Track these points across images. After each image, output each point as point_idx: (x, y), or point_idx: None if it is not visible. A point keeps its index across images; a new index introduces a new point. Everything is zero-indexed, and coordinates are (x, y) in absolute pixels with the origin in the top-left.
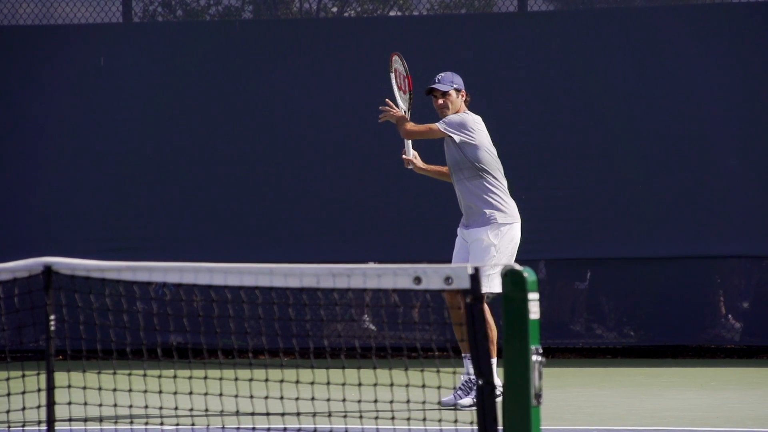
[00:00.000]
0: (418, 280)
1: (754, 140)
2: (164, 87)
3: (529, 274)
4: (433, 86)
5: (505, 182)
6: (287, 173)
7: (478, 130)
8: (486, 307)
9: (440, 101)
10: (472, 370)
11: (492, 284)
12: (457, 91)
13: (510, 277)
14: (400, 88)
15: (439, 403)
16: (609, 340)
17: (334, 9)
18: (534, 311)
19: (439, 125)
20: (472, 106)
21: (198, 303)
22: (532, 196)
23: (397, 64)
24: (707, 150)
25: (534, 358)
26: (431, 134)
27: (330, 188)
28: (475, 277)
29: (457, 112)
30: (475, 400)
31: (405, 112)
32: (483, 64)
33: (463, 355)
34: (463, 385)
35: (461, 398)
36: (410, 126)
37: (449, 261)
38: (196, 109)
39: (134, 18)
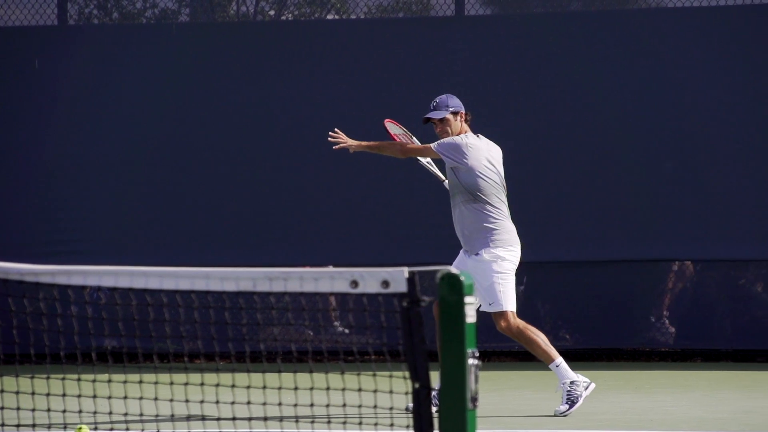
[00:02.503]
0: (355, 283)
1: (684, 142)
2: (99, 90)
3: (465, 278)
4: (428, 115)
5: (504, 207)
6: (227, 176)
7: (471, 156)
8: (519, 320)
9: (438, 129)
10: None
11: (508, 301)
12: (455, 113)
13: (446, 280)
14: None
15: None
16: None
17: (272, 12)
18: (470, 315)
19: (433, 147)
20: (475, 126)
21: (133, 307)
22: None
23: (394, 129)
24: (641, 154)
25: (470, 361)
26: (427, 154)
27: (269, 192)
28: (412, 281)
29: (458, 134)
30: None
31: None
32: (420, 67)
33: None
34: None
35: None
36: (404, 147)
37: (387, 264)
38: (130, 113)
39: (69, 20)
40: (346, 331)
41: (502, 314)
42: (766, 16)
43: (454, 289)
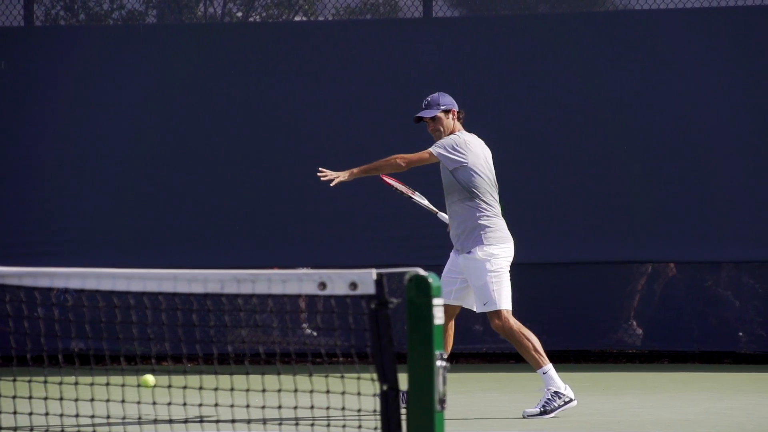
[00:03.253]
0: (323, 285)
1: (650, 144)
2: (65, 91)
3: (433, 280)
4: (419, 114)
5: (497, 205)
6: (195, 179)
7: (469, 151)
8: (514, 320)
9: (430, 127)
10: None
11: (502, 300)
12: (447, 111)
13: (414, 282)
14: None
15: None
16: (512, 345)
17: (239, 14)
18: (438, 316)
19: (432, 150)
20: (472, 125)
21: (100, 309)
22: (434, 202)
23: (401, 188)
24: (608, 157)
25: (438, 363)
26: (427, 161)
27: (237, 194)
28: (380, 283)
29: (452, 132)
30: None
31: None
32: (388, 69)
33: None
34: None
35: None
36: (403, 159)
37: (355, 266)
38: (94, 113)
39: (36, 22)
40: (314, 333)
41: (497, 312)
42: (736, 18)
43: (422, 290)
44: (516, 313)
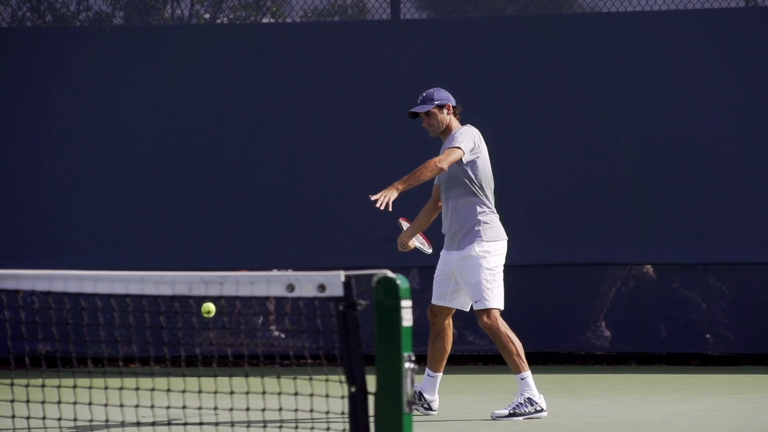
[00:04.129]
0: (291, 287)
1: (618, 145)
2: (31, 93)
3: (401, 282)
4: (413, 110)
5: (493, 201)
6: (163, 181)
7: (482, 144)
8: (503, 322)
9: (425, 123)
10: (426, 390)
11: (494, 299)
12: (441, 106)
13: (383, 284)
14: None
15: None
16: (480, 347)
17: (207, 15)
18: (407, 318)
19: (462, 146)
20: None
21: (67, 311)
22: (404, 204)
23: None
24: (573, 159)
25: (406, 365)
26: (461, 157)
27: (206, 197)
28: (348, 285)
29: (448, 127)
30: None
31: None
32: (356, 71)
33: (429, 372)
34: (420, 399)
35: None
36: (442, 161)
37: (323, 268)
38: (62, 115)
39: (2, 23)
40: (282, 335)
41: (487, 311)
42: (700, 20)
43: (390, 292)
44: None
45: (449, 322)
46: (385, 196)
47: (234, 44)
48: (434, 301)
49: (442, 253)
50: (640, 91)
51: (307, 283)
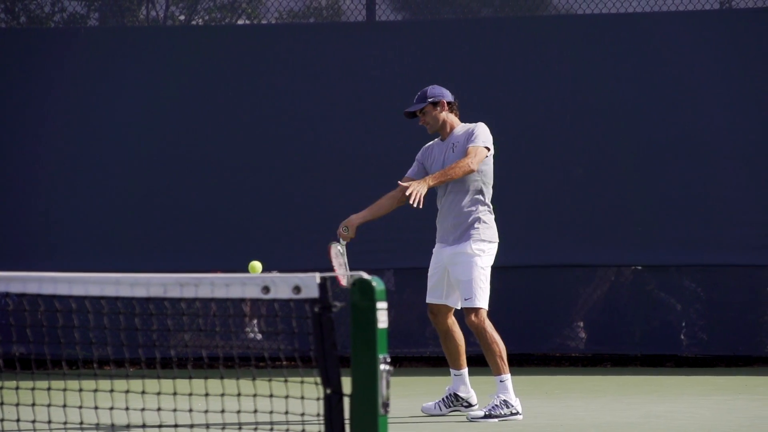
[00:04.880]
0: (266, 289)
1: (593, 146)
2: (7, 94)
3: (377, 284)
4: (408, 109)
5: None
6: (137, 181)
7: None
8: (489, 322)
9: (421, 121)
10: (459, 389)
11: (484, 298)
12: (435, 103)
13: (358, 286)
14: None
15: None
16: None
17: (182, 17)
18: (382, 320)
19: (488, 144)
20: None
21: (41, 313)
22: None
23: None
24: (547, 161)
25: (382, 367)
26: (483, 153)
27: (181, 197)
28: (323, 287)
29: (446, 124)
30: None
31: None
32: (332, 73)
33: (453, 371)
34: (446, 398)
35: (440, 409)
36: (473, 162)
37: (299, 270)
38: (36, 117)
39: None
40: (258, 337)
41: (476, 309)
42: (684, 22)
43: (366, 294)
44: (458, 316)
45: (453, 320)
46: (417, 192)
47: (209, 46)
48: (431, 300)
49: (435, 248)
50: (613, 93)
51: (282, 285)
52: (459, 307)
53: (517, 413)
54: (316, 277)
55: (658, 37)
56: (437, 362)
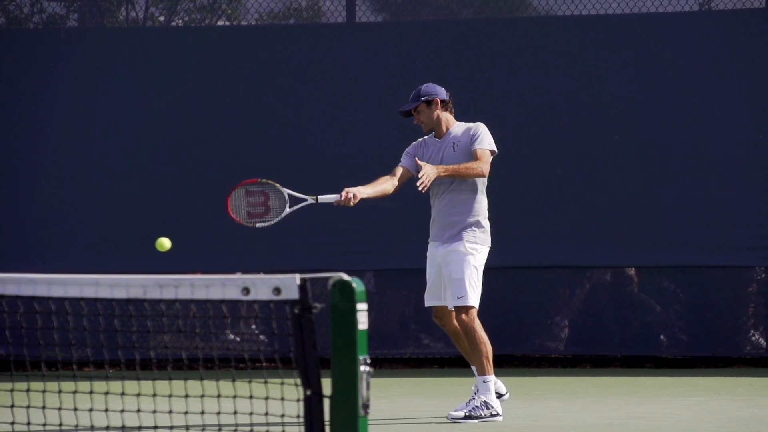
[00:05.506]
0: (246, 290)
1: (570, 148)
2: None
3: (357, 285)
4: (402, 108)
5: None
6: (114, 182)
7: None
8: (479, 322)
9: (416, 119)
10: (484, 394)
11: (475, 297)
12: (428, 102)
13: (338, 287)
14: (264, 204)
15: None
16: (436, 350)
17: (162, 18)
18: (362, 321)
19: (488, 149)
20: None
21: (21, 314)
22: (359, 206)
23: (238, 200)
24: (526, 160)
25: (362, 368)
26: (489, 156)
27: (156, 198)
28: (303, 288)
29: (441, 122)
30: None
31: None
32: (312, 74)
33: (473, 366)
34: (475, 395)
35: (464, 410)
36: (485, 168)
37: (279, 271)
38: (14, 118)
39: None
40: (238, 338)
41: (466, 308)
42: (664, 24)
43: (346, 295)
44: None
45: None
46: (428, 177)
47: (189, 47)
48: (431, 303)
49: (429, 247)
50: (591, 93)
51: (262, 286)
52: (450, 306)
53: (497, 414)
54: (297, 278)
55: (637, 38)
56: (417, 363)
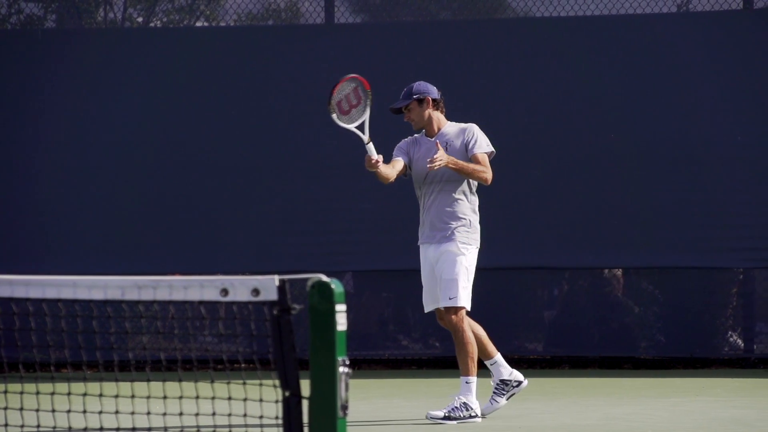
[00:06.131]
0: (225, 292)
1: (555, 151)
2: None
3: (336, 286)
4: (393, 105)
5: None
6: (92, 183)
7: None
8: (468, 322)
9: (406, 117)
10: (502, 374)
11: (466, 298)
12: (420, 100)
13: (317, 288)
14: (351, 107)
15: (482, 416)
16: (415, 351)
17: (140, 19)
18: (341, 323)
19: (488, 152)
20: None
21: None
22: (338, 208)
23: (342, 93)
24: (503, 162)
25: (341, 369)
26: (487, 158)
27: (134, 199)
28: (282, 289)
29: (432, 120)
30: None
31: (365, 125)
32: (291, 75)
33: (487, 362)
34: (495, 389)
35: (497, 402)
36: (490, 176)
37: (258, 273)
38: None
39: None
40: (216, 339)
41: (455, 308)
42: (640, 25)
43: (325, 297)
44: (418, 319)
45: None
46: (440, 159)
47: (167, 48)
48: (430, 307)
49: (421, 249)
50: (569, 95)
51: (241, 288)
52: (441, 306)
53: (476, 416)
54: (275, 279)
55: (615, 39)
56: (396, 364)
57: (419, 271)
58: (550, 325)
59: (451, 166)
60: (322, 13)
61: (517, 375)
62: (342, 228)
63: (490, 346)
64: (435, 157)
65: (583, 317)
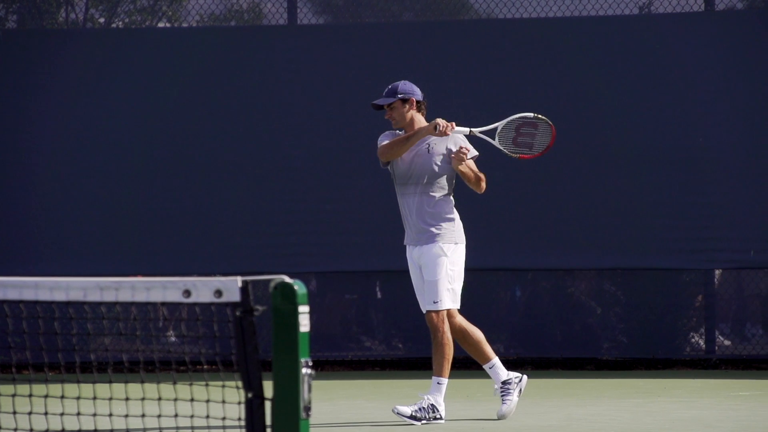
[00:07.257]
0: (187, 293)
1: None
2: None
3: (299, 287)
4: (376, 102)
5: None
6: (67, 184)
7: None
8: (448, 325)
9: (387, 115)
10: (501, 376)
11: (449, 300)
12: (404, 100)
13: (280, 289)
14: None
15: (498, 416)
16: (378, 353)
17: (102, 20)
18: (304, 324)
19: (475, 156)
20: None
21: None
22: (300, 209)
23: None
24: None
25: (303, 370)
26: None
27: (99, 200)
28: (245, 290)
29: (412, 121)
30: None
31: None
32: (254, 76)
33: (485, 366)
34: (502, 391)
35: (511, 400)
36: (482, 177)
37: (223, 274)
38: None
39: None
40: (179, 340)
41: (437, 310)
42: (604, 27)
43: (288, 298)
44: (381, 320)
45: (460, 318)
46: (466, 153)
47: (129, 49)
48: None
49: (407, 253)
50: (533, 96)
51: (203, 289)
52: (423, 309)
53: (440, 418)
54: (238, 280)
55: (575, 41)
56: (359, 365)
57: (382, 272)
58: (512, 326)
59: (465, 169)
60: (285, 14)
61: (513, 372)
62: (305, 229)
63: (488, 349)
64: (465, 149)
65: (546, 318)
